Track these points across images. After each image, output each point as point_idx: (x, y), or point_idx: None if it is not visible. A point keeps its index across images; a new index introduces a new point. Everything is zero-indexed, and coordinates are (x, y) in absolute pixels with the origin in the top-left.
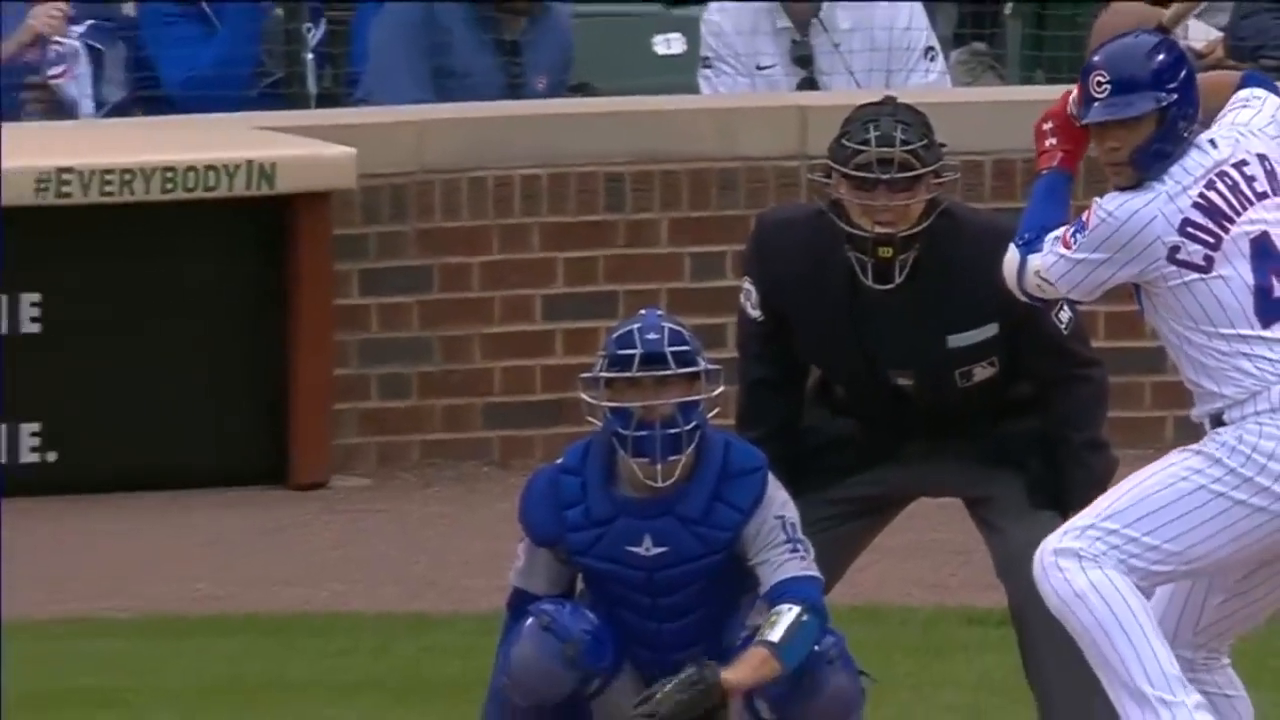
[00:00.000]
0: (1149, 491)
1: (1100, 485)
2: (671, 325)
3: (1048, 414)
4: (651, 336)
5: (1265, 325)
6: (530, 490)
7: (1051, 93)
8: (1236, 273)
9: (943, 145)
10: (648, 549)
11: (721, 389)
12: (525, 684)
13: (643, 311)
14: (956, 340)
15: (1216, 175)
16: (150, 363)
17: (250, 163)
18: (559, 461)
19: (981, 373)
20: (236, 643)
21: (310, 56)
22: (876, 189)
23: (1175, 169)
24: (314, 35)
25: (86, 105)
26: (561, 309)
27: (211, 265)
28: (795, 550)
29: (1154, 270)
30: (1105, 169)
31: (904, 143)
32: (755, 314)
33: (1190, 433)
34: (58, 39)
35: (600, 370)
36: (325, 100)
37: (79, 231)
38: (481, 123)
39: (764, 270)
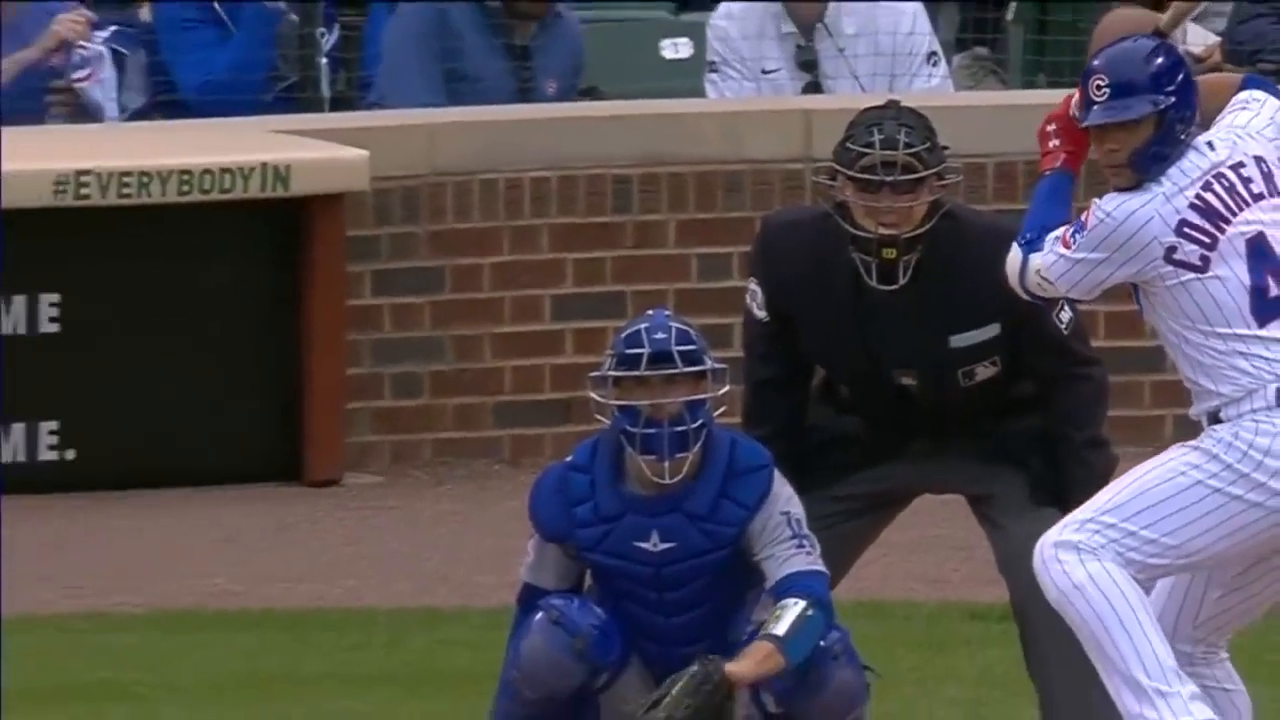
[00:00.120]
0: (1147, 486)
1: (1101, 482)
2: (679, 325)
3: (1049, 412)
4: (659, 336)
5: (1261, 324)
6: (540, 487)
7: (1052, 97)
8: (1233, 273)
9: (945, 148)
10: (655, 545)
11: (728, 388)
12: (535, 677)
13: (650, 311)
14: (959, 340)
15: (1213, 177)
16: (167, 362)
17: (265, 165)
18: (568, 459)
19: (984, 372)
20: (251, 637)
21: (324, 61)
22: (880, 191)
23: (1173, 171)
24: (328, 40)
25: (111, 109)
26: (571, 309)
27: (227, 266)
28: (801, 545)
29: (1151, 270)
30: (1105, 171)
31: (907, 146)
32: (761, 314)
33: (1189, 431)
34: (82, 43)
35: (608, 369)
36: (339, 104)
37: (97, 233)
38: (492, 126)
39: (769, 271)
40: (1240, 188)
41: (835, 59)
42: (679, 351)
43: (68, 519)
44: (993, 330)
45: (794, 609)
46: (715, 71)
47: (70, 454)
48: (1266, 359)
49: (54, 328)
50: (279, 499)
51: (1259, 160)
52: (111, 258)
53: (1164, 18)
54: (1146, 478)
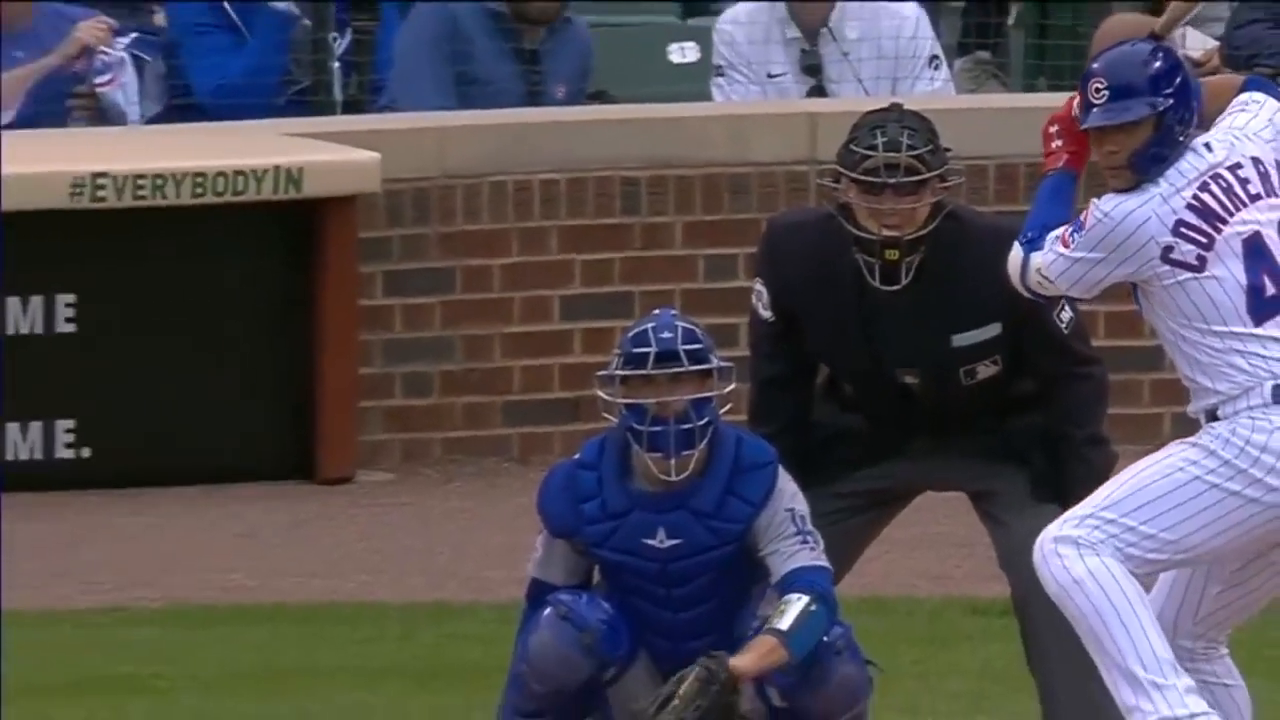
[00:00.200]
0: (1146, 482)
1: (1101, 480)
2: (685, 324)
3: (1050, 410)
4: (665, 335)
5: (1257, 323)
6: (548, 484)
7: (1053, 100)
8: (1229, 272)
9: (948, 150)
10: (662, 541)
11: (733, 386)
12: (543, 671)
13: (657, 311)
14: (961, 340)
15: (1210, 178)
16: (181, 361)
17: (278, 168)
18: (576, 457)
19: (985, 371)
20: (266, 631)
21: (336, 65)
22: (883, 193)
23: (1171, 172)
24: (340, 44)
25: (133, 113)
26: (579, 309)
27: (240, 267)
28: (805, 541)
29: (1148, 269)
30: (1104, 172)
31: (910, 148)
32: (766, 314)
33: (1187, 428)
34: (104, 49)
35: (616, 368)
36: (351, 107)
37: (112, 234)
38: (502, 129)
39: (775, 272)
40: (1237, 189)
41: (839, 63)
42: (685, 350)
43: (84, 516)
44: (994, 330)
45: (798, 604)
46: (721, 75)
47: (86, 452)
48: (1263, 357)
49: (70, 328)
50: (293, 496)
51: (1256, 161)
52: (127, 259)
53: (1160, 21)
54: (1145, 474)
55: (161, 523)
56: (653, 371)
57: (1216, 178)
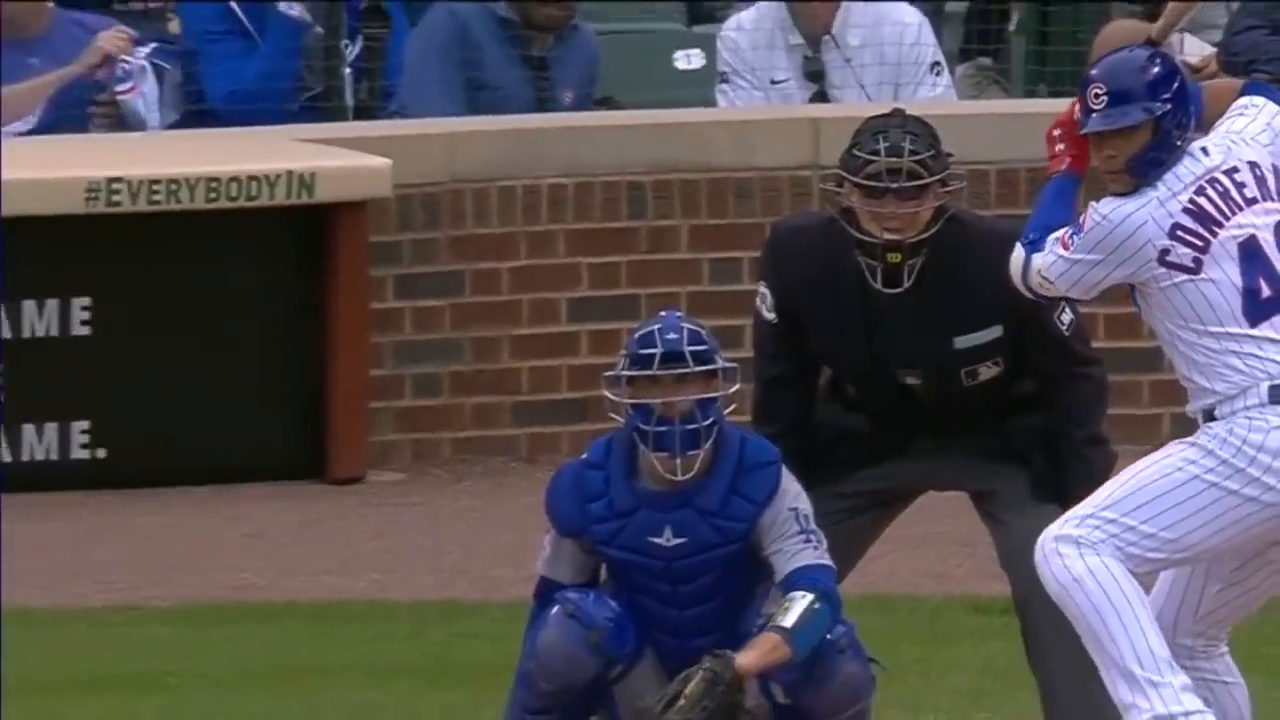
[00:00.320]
0: (1146, 482)
1: (1100, 479)
2: (690, 325)
3: (1050, 411)
4: (671, 336)
5: (1253, 324)
6: (556, 484)
7: (1053, 105)
8: (1225, 275)
9: (949, 155)
10: (668, 539)
11: (738, 387)
12: (551, 668)
13: (662, 313)
14: (962, 341)
15: (1207, 182)
16: (195, 363)
17: (290, 173)
18: (583, 456)
19: (986, 372)
20: (277, 629)
21: (348, 71)
22: (886, 197)
23: (1168, 176)
24: (351, 51)
25: (152, 119)
26: (586, 311)
27: (253, 271)
28: (809, 540)
29: (1145, 272)
30: (1103, 176)
31: (912, 153)
32: (770, 316)
33: (1186, 429)
34: (125, 58)
35: (622, 369)
36: (362, 113)
37: (127, 238)
38: (511, 134)
39: (779, 275)
40: (1234, 192)
41: (842, 69)
42: (690, 351)
43: (98, 516)
44: (995, 332)
45: (802, 602)
46: (726, 82)
47: (101, 453)
48: (1259, 358)
49: (85, 330)
50: (304, 496)
51: (1253, 166)
52: (141, 263)
53: (1155, 26)
54: (1145, 474)
55: (174, 522)
56: (659, 372)
57: (1213, 182)
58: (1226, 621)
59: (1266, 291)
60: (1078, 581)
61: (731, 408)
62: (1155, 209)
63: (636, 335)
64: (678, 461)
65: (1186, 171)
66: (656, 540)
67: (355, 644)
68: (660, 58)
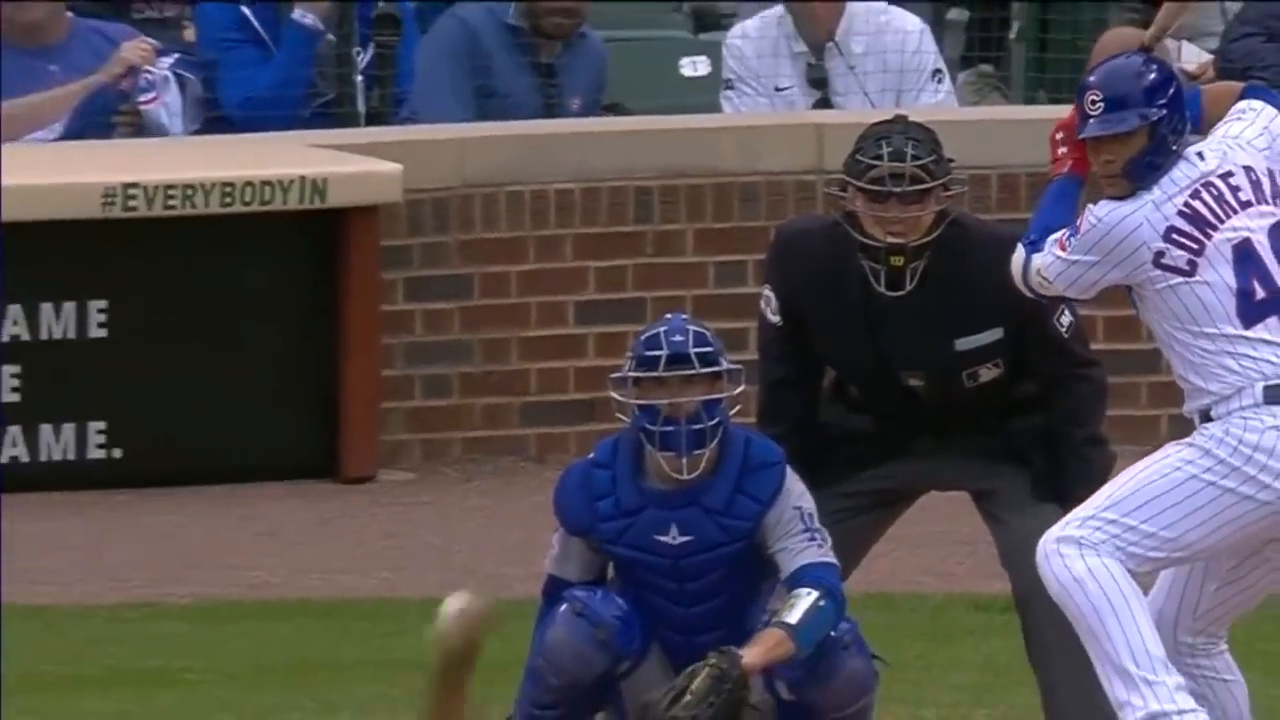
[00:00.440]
0: (1145, 482)
1: (1100, 479)
2: (696, 328)
3: (1050, 412)
4: (677, 338)
5: (1247, 326)
6: (564, 483)
7: (1053, 111)
8: (1220, 277)
9: (951, 160)
10: (674, 538)
11: (743, 388)
12: (559, 665)
13: (668, 315)
14: (964, 343)
15: (1202, 185)
16: (209, 365)
17: (303, 178)
18: (591, 456)
19: (987, 374)
20: (291, 626)
21: (360, 78)
22: (889, 201)
23: (1164, 180)
24: (363, 58)
25: (175, 128)
26: (593, 314)
27: (267, 274)
28: (813, 539)
29: (1141, 274)
30: (1101, 180)
31: (914, 158)
32: (775, 319)
33: (1184, 430)
34: (149, 69)
35: (629, 370)
36: (373, 119)
37: (143, 242)
38: (519, 140)
39: (783, 278)
40: (1228, 196)
41: (845, 76)
42: (696, 353)
43: (115, 515)
44: (996, 334)
45: (807, 599)
46: (731, 88)
47: (117, 452)
48: (1253, 359)
49: (102, 333)
50: (317, 495)
51: (1248, 170)
52: (157, 266)
53: (1148, 33)
54: (1143, 474)
55: (190, 521)
56: (665, 374)
57: (1208, 185)
58: (1225, 619)
59: (1261, 293)
60: (1078, 581)
61: (736, 409)
62: (1150, 212)
63: (643, 337)
64: (683, 461)
65: (1182, 175)
66: (663, 538)
67: (367, 640)
68: (667, 65)
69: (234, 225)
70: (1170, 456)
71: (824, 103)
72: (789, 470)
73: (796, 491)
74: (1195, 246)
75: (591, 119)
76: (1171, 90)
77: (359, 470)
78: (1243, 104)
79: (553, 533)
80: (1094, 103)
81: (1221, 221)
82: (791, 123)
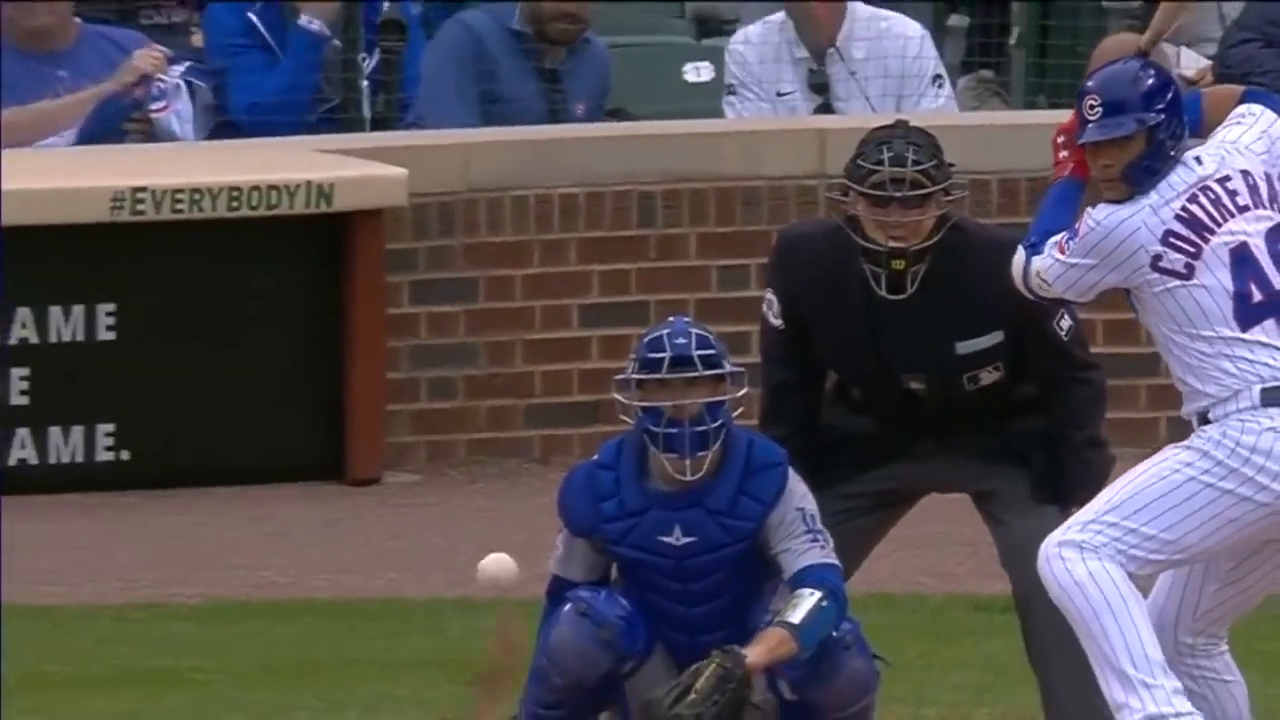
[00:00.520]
0: (1144, 485)
1: (1099, 480)
2: (699, 330)
3: (1050, 414)
4: (680, 341)
5: (1244, 329)
6: (568, 484)
7: (1053, 117)
8: (1217, 280)
9: (951, 165)
10: (678, 538)
11: (745, 390)
12: (563, 665)
13: (671, 318)
14: (964, 347)
15: (1199, 190)
16: (217, 367)
17: (310, 183)
18: (595, 458)
19: (988, 377)
20: (298, 626)
21: (365, 84)
22: (890, 206)
23: (1162, 184)
24: (368, 64)
25: (186, 135)
26: (597, 317)
27: (274, 278)
28: (815, 540)
29: (1139, 277)
30: (1100, 184)
31: (915, 163)
32: (777, 322)
33: (1182, 432)
34: (161, 77)
35: (632, 373)
36: (379, 124)
37: (151, 246)
38: (524, 145)
39: (785, 282)
40: (1226, 200)
41: (846, 81)
42: (699, 355)
43: (124, 516)
44: (996, 337)
45: (809, 599)
46: (733, 94)
47: (126, 455)
48: (1250, 361)
49: (110, 335)
50: (323, 497)
51: (1245, 174)
52: (165, 269)
53: (1144, 38)
54: (1142, 478)
55: (197, 522)
56: (668, 376)
57: (1205, 190)
58: (1225, 620)
59: (1258, 296)
60: (1079, 585)
61: (739, 411)
62: (1148, 216)
63: (646, 340)
64: (687, 462)
65: (1180, 180)
66: (666, 539)
67: (373, 640)
68: (670, 70)
69: (241, 229)
70: (1169, 459)
71: (825, 108)
72: (791, 472)
73: (799, 493)
74: (1192, 250)
75: (595, 124)
76: (1169, 95)
77: (365, 472)
78: (1242, 108)
79: (557, 533)
80: (1092, 108)
81: (1219, 225)
82: (793, 128)
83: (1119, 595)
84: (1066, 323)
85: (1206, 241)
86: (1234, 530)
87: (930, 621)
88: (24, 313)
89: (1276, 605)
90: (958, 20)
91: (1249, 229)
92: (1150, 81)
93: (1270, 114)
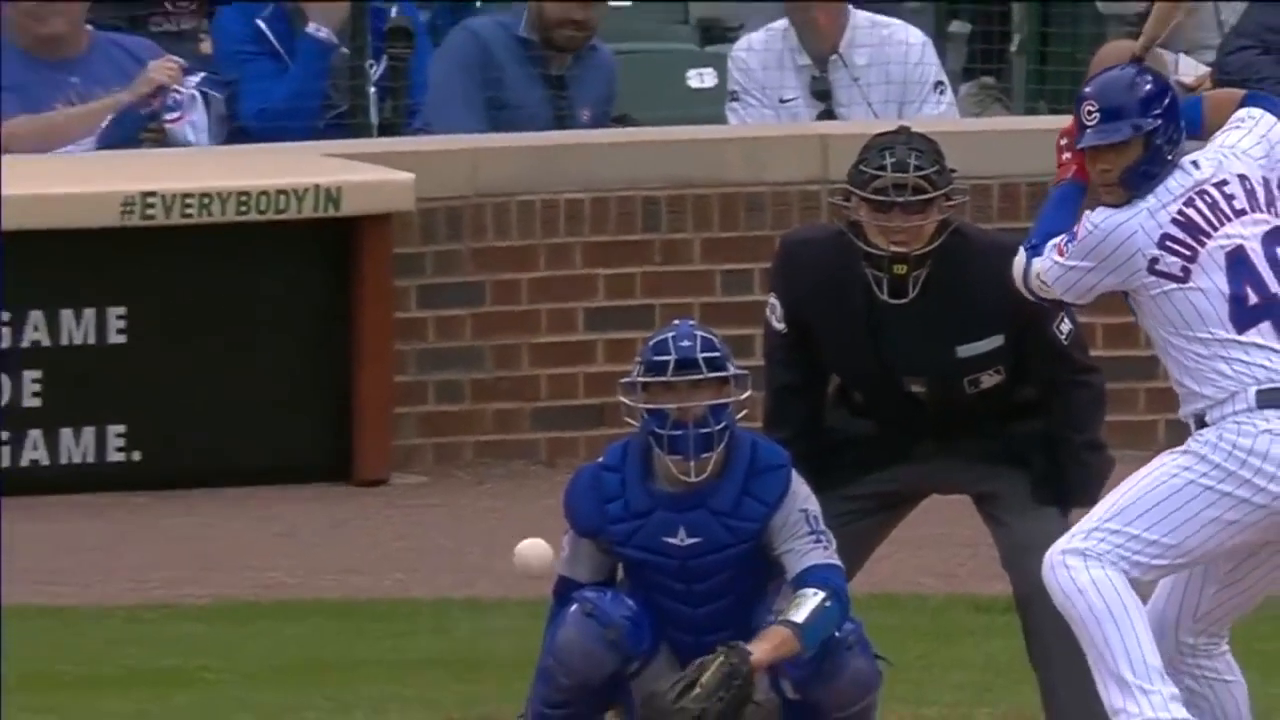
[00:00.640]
0: (1144, 491)
1: (1098, 482)
2: (703, 333)
3: (1050, 416)
4: (684, 344)
5: (1240, 331)
6: (574, 486)
7: (1053, 122)
8: (1213, 283)
9: (953, 170)
10: (682, 539)
11: (749, 393)
12: (569, 665)
13: (676, 321)
14: (965, 350)
15: (1196, 194)
16: (226, 370)
17: (318, 187)
18: (600, 460)
19: (989, 380)
20: (306, 626)
21: (373, 90)
22: (892, 211)
23: (1159, 188)
24: (376, 71)
25: (202, 143)
26: (602, 321)
27: (282, 281)
28: (818, 541)
29: (1136, 280)
30: (1098, 189)
31: (917, 168)
32: (780, 326)
33: (1181, 435)
34: (176, 88)
35: (638, 375)
36: (386, 130)
37: (161, 250)
38: (530, 151)
39: (788, 286)
40: (1222, 204)
41: (849, 88)
42: (703, 358)
43: (134, 516)
44: (997, 341)
45: (813, 599)
46: (737, 100)
47: (136, 455)
48: (1246, 363)
49: (121, 338)
50: (331, 498)
51: (1243, 178)
52: (175, 273)
53: (1138, 43)
54: (1142, 484)
55: (207, 523)
56: (673, 378)
57: (1202, 194)
58: (1225, 620)
59: (1254, 299)
60: (1082, 592)
61: (743, 413)
62: (1145, 219)
63: (651, 343)
64: (691, 464)
65: (1177, 184)
66: (671, 540)
67: (381, 640)
68: (674, 77)
69: (250, 233)
70: (1167, 464)
71: (828, 114)
72: (795, 473)
73: (802, 494)
74: (1189, 253)
75: (601, 130)
76: (1166, 101)
77: (372, 473)
78: (1242, 112)
79: (563, 535)
80: (1090, 113)
81: (1215, 229)
82: (796, 134)
83: (1120, 602)
84: (1066, 326)
85: (1203, 245)
86: (1234, 532)
87: (931, 622)
88: (36, 316)
89: (1276, 605)
90: (959, 27)
91: (1245, 232)
92: (1147, 87)
93: (1270, 117)
